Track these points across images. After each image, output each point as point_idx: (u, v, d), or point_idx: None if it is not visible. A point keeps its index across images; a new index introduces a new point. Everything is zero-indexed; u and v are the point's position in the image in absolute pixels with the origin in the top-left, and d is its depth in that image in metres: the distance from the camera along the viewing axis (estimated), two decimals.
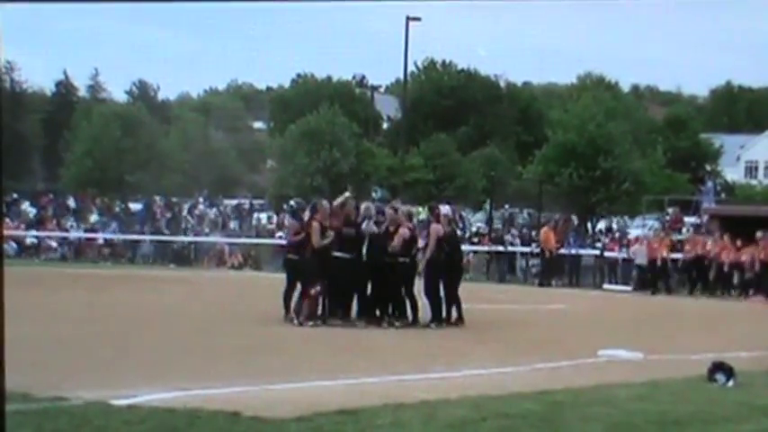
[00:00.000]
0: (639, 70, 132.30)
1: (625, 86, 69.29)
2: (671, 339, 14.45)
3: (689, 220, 34.00)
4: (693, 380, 9.68)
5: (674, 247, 28.11)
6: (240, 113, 70.81)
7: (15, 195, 38.16)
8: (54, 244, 34.20)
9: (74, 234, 34.84)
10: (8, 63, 55.50)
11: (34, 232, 34.64)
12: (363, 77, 71.20)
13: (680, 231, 31.26)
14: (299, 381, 9.03)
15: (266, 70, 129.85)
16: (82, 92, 61.96)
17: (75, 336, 12.21)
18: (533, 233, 31.95)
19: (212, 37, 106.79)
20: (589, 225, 37.52)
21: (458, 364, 10.60)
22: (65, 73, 61.25)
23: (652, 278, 27.07)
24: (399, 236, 14.82)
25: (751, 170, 71.34)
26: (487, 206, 38.18)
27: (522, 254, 31.24)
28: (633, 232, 32.06)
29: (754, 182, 64.55)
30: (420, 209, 29.35)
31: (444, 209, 16.34)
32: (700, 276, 27.00)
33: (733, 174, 63.54)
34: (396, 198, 25.01)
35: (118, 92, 71.94)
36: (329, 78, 64.36)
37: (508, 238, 32.33)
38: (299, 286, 14.91)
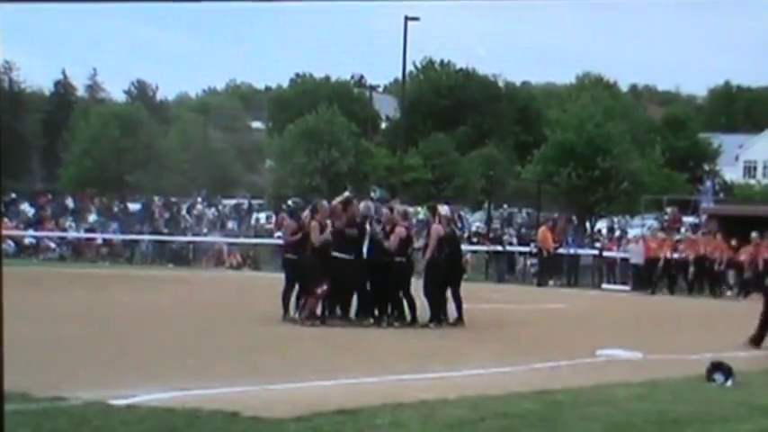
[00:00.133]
0: (638, 70, 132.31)
1: (623, 86, 69.45)
2: (670, 339, 14.45)
3: (687, 219, 34.02)
4: (692, 379, 9.69)
5: (675, 247, 28.12)
6: (239, 113, 70.78)
7: (14, 195, 38.18)
8: (52, 244, 34.19)
9: (72, 234, 34.82)
10: (7, 63, 55.61)
11: (32, 232, 34.64)
12: (362, 77, 71.25)
13: (678, 231, 31.27)
14: (298, 380, 9.03)
15: (265, 70, 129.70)
16: (80, 92, 62.03)
17: (73, 336, 12.20)
18: (533, 233, 31.94)
19: (211, 37, 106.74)
20: (588, 225, 37.54)
21: (457, 364, 10.60)
22: (63, 73, 61.32)
23: (649, 277, 27.10)
24: (396, 235, 14.83)
25: (749, 170, 71.36)
26: (490, 207, 38.23)
27: (521, 254, 31.24)
28: (633, 232, 32.08)
29: (752, 181, 64.59)
30: (419, 209, 29.37)
31: (443, 209, 16.32)
32: (696, 276, 27.01)
33: (731, 173, 63.56)
34: (395, 198, 25.02)
35: (116, 92, 72.08)
36: (328, 78, 64.35)
37: (507, 237, 32.34)
38: (298, 286, 14.92)
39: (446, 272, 15.15)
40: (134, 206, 40.13)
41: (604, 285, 28.44)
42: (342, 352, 11.76)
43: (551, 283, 28.55)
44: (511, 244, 31.61)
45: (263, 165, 55.61)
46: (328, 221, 14.66)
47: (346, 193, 16.44)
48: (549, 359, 11.14)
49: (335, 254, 14.47)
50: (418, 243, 15.80)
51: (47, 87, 61.80)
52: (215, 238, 34.45)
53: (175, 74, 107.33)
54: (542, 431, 7.19)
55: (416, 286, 15.11)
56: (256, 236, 34.63)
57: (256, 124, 70.91)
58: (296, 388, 8.69)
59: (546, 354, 11.65)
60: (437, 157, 48.25)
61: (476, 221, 38.37)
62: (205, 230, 35.56)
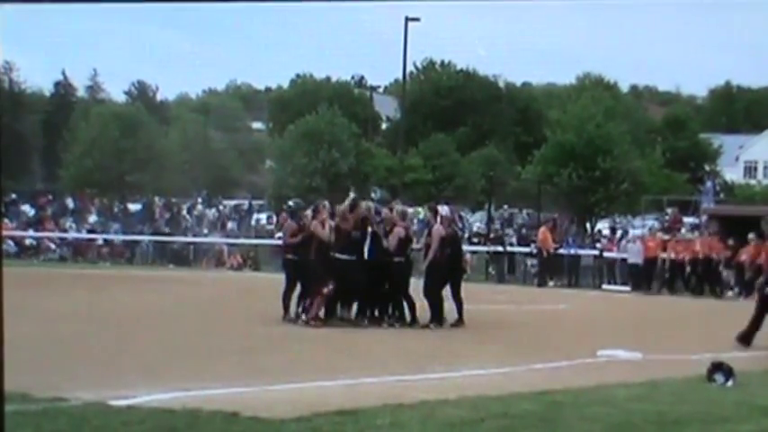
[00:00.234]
0: (638, 70, 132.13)
1: (624, 86, 69.32)
2: (670, 339, 14.45)
3: (688, 220, 34.01)
4: (692, 380, 9.68)
5: (670, 247, 28.12)
6: (239, 114, 70.77)
7: (14, 196, 38.20)
8: (53, 245, 34.19)
9: (73, 234, 34.82)
10: (7, 63, 55.55)
11: (32, 232, 34.64)
12: (362, 78, 71.36)
13: (679, 231, 31.26)
14: (298, 381, 9.03)
15: (265, 71, 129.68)
16: (81, 92, 61.95)
17: (73, 336, 12.20)
18: (533, 233, 31.93)
19: (211, 37, 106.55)
20: (588, 225, 37.53)
21: (457, 365, 10.60)
22: (63, 73, 61.26)
23: (648, 278, 27.10)
24: (394, 235, 14.83)
25: (750, 170, 71.35)
26: (490, 207, 38.22)
27: (522, 254, 31.23)
28: (634, 232, 32.06)
29: (753, 182, 64.54)
30: (419, 209, 29.36)
31: (444, 209, 16.32)
32: (691, 276, 27.00)
33: (732, 174, 63.52)
34: (395, 198, 25.01)
35: (117, 92, 72.05)
36: (328, 79, 64.41)
37: (507, 238, 32.33)
38: (298, 287, 14.92)
39: (447, 272, 15.15)
40: (134, 207, 40.15)
41: (605, 286, 28.44)
42: (342, 352, 11.76)
43: (552, 283, 28.54)
44: (511, 244, 31.60)
45: (264, 165, 55.63)
46: (330, 222, 14.68)
47: (351, 195, 16.45)
48: (549, 360, 11.14)
49: (339, 255, 14.44)
50: (418, 244, 15.80)
51: (47, 88, 61.84)
52: (215, 239, 34.46)
53: (176, 74, 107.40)
54: (542, 431, 7.19)
55: (416, 287, 15.12)
56: (257, 236, 34.63)
57: (257, 125, 70.93)
58: (296, 388, 8.69)
59: (546, 354, 11.64)
60: (437, 157, 48.26)
61: (476, 222, 38.38)
62: (205, 231, 35.56)
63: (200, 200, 42.50)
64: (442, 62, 65.95)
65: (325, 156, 41.42)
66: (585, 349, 12.05)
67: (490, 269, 31.25)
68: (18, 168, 46.46)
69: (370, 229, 14.94)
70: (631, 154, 39.58)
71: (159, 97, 69.68)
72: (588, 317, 19.47)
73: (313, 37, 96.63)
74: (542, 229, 30.09)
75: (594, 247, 30.34)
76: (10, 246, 31.83)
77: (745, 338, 13.24)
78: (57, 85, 61.37)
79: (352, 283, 14.60)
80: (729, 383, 9.40)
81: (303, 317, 14.40)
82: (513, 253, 31.29)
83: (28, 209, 37.73)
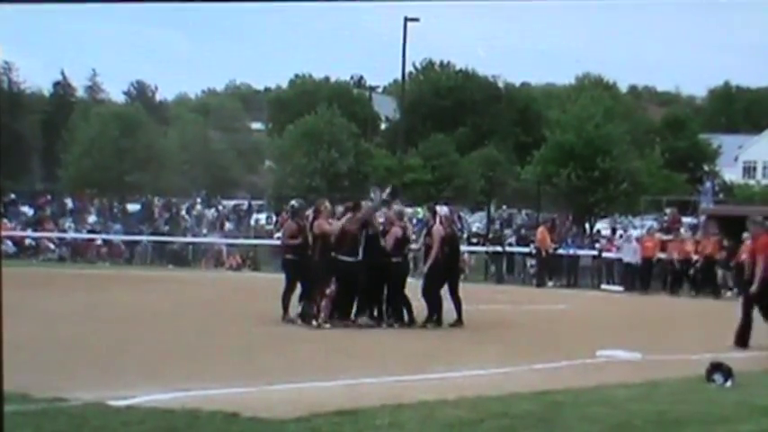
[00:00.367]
0: (638, 71, 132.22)
1: (623, 87, 69.35)
2: (669, 339, 14.46)
3: (687, 220, 34.01)
4: (692, 380, 9.69)
5: (664, 247, 28.11)
6: (238, 114, 70.78)
7: (14, 196, 38.20)
8: (52, 245, 34.17)
9: (72, 234, 34.80)
10: (6, 63, 55.52)
11: (31, 232, 34.63)
12: (361, 78, 71.43)
13: (678, 231, 31.26)
14: (297, 381, 9.04)
15: (264, 71, 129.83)
16: (80, 92, 61.91)
17: (73, 336, 12.20)
18: (532, 233, 31.91)
19: (211, 37, 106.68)
20: (587, 226, 37.53)
21: (456, 365, 10.60)
22: (62, 73, 61.23)
23: (643, 277, 27.10)
24: (391, 235, 14.83)
25: (749, 170, 71.36)
26: (490, 207, 38.24)
27: (521, 254, 31.22)
28: (634, 233, 32.05)
29: (752, 182, 64.52)
30: (419, 209, 29.39)
31: (443, 210, 16.31)
32: (679, 276, 27.01)
33: (731, 174, 63.53)
34: (395, 199, 25.01)
35: (116, 92, 72.07)
36: (327, 79, 64.42)
37: (506, 237, 32.33)
38: (299, 287, 14.91)
39: (444, 272, 15.15)
40: (133, 207, 40.14)
41: (603, 286, 28.43)
42: (341, 353, 11.76)
43: (551, 283, 28.53)
44: (510, 245, 31.60)
45: (263, 165, 55.64)
46: (333, 221, 14.69)
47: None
48: (548, 360, 11.14)
49: (341, 257, 14.41)
50: (416, 244, 15.79)
51: (46, 88, 61.82)
52: (214, 239, 34.45)
53: (175, 74, 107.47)
54: (542, 431, 7.19)
55: (413, 287, 15.11)
56: (256, 237, 34.62)
57: (256, 125, 70.95)
58: (295, 388, 8.69)
59: (546, 354, 11.64)
60: (437, 157, 48.24)
61: (475, 222, 38.38)
62: (205, 231, 35.55)
63: (199, 200, 42.50)
64: (442, 62, 66.03)
65: (325, 156, 41.42)
66: (585, 349, 12.05)
67: (489, 269, 31.22)
68: (17, 168, 46.47)
69: (371, 231, 14.95)
70: (630, 154, 39.58)
71: (158, 97, 69.72)
72: (587, 317, 19.47)
73: (312, 37, 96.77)
74: (541, 229, 30.09)
75: (593, 248, 30.35)
76: (9, 246, 31.81)
77: (741, 340, 13.25)
78: (56, 85, 61.38)
79: (355, 284, 14.59)
80: (728, 384, 9.40)
81: (314, 322, 14.26)
82: (512, 253, 31.28)
83: (27, 209, 37.72)
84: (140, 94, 67.58)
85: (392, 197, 15.22)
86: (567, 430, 7.27)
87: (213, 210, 40.26)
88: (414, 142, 49.92)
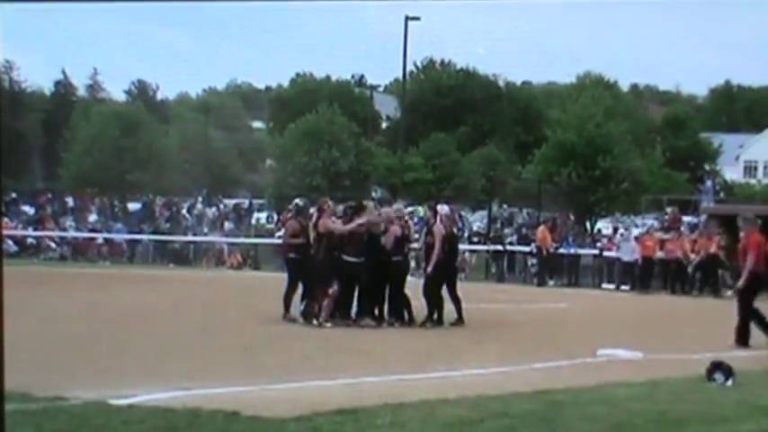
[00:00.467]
0: (638, 70, 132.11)
1: (624, 86, 69.22)
2: (670, 339, 14.45)
3: (688, 219, 33.99)
4: (693, 379, 9.69)
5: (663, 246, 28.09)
6: (239, 113, 70.75)
7: (14, 195, 38.19)
8: (53, 244, 34.18)
9: (73, 233, 34.81)
10: (7, 62, 55.45)
11: (32, 231, 34.63)
12: (362, 77, 71.34)
13: (679, 230, 31.24)
14: (298, 380, 9.04)
15: (265, 70, 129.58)
16: (81, 91, 61.88)
17: (73, 336, 12.21)
18: (533, 233, 31.89)
19: (211, 36, 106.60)
20: (588, 225, 37.52)
21: (457, 364, 10.61)
22: (64, 72, 61.19)
23: (643, 276, 27.10)
24: (391, 234, 14.83)
25: (750, 170, 71.38)
26: (490, 206, 38.20)
27: (522, 253, 31.22)
28: (635, 232, 32.03)
29: (753, 181, 64.56)
30: (419, 208, 29.37)
31: (443, 209, 16.31)
32: (677, 275, 27.02)
33: (732, 173, 63.52)
34: (396, 198, 25.03)
35: (117, 91, 71.91)
36: (328, 78, 64.41)
37: (507, 236, 32.32)
38: (299, 287, 14.91)
39: (444, 271, 15.16)
40: (134, 206, 40.14)
41: (604, 285, 28.43)
42: (342, 352, 11.76)
43: (551, 282, 28.53)
44: (511, 243, 31.60)
45: (264, 164, 55.65)
46: (335, 220, 14.69)
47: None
48: (549, 359, 11.14)
49: (346, 257, 14.40)
50: (417, 243, 15.78)
51: (47, 87, 61.75)
52: (215, 238, 34.45)
53: (176, 73, 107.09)
54: (543, 431, 7.19)
55: (415, 285, 15.11)
56: (257, 236, 34.62)
57: (257, 124, 70.97)
58: (296, 387, 8.70)
59: (546, 353, 11.65)
60: (438, 156, 48.25)
61: (476, 221, 38.36)
62: (205, 230, 35.55)
63: (200, 199, 42.50)
64: (443, 61, 65.98)
65: (326, 155, 41.39)
66: (586, 348, 12.05)
67: (490, 268, 31.22)
68: (18, 167, 46.44)
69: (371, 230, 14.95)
70: (631, 153, 39.53)
71: (159, 96, 69.64)
72: (588, 316, 19.46)
73: (313, 36, 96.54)
74: (541, 227, 30.10)
75: (594, 247, 30.34)
76: (10, 245, 31.79)
77: (741, 339, 13.25)
78: (57, 84, 61.36)
79: (352, 282, 14.60)
80: (729, 383, 9.41)
81: (315, 321, 14.28)
82: (513, 252, 31.28)
83: (28, 208, 37.72)
84: (141, 92, 67.55)
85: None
86: (567, 429, 7.26)
87: (214, 209, 40.27)
88: (414, 141, 49.92)
